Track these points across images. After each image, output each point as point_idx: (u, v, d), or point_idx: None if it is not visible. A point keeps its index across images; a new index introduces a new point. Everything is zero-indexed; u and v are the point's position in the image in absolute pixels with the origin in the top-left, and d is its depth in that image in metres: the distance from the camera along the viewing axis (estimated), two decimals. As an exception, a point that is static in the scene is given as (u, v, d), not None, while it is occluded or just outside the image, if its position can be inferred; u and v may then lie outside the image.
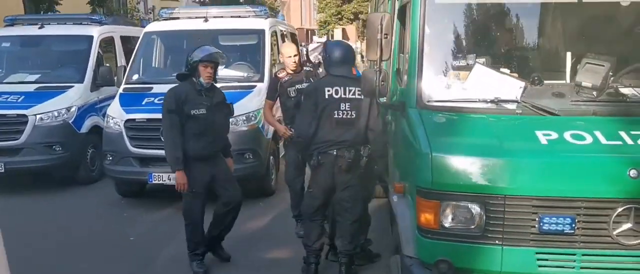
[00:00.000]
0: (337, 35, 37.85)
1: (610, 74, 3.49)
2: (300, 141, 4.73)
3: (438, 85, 3.67)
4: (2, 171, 7.60)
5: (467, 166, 3.11)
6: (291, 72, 5.75)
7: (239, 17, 8.23)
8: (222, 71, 7.55)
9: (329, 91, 4.46)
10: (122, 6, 30.40)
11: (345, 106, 4.44)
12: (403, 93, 3.87)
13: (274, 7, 29.14)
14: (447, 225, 3.15)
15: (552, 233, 3.01)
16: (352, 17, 34.60)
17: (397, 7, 4.52)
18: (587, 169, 3.02)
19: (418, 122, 3.45)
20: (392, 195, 3.85)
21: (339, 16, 36.20)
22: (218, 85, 7.15)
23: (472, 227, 3.12)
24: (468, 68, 3.71)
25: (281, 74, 5.82)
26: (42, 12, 19.10)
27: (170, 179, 6.61)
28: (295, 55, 5.79)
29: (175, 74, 5.22)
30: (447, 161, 3.13)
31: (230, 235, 5.29)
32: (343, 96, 4.45)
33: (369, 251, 5.05)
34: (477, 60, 3.72)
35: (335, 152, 4.45)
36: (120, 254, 5.51)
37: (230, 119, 6.61)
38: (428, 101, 3.58)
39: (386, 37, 3.69)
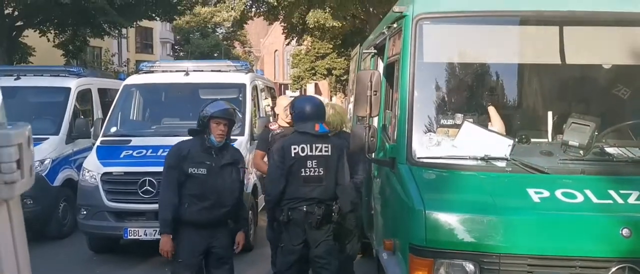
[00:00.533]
0: (310, 89, 38.32)
1: (596, 133, 3.56)
2: (269, 200, 4.62)
3: (428, 142, 3.69)
4: (-31, 225, 7.27)
5: (461, 223, 3.09)
6: (285, 125, 5.65)
7: (220, 71, 8.25)
8: (203, 125, 7.55)
9: (295, 149, 4.39)
10: (96, 58, 30.43)
11: (312, 163, 4.38)
12: (393, 149, 3.88)
13: (250, 61, 29.50)
14: (441, 284, 3.10)
15: (548, 292, 2.98)
16: (325, 72, 35.15)
17: (384, 65, 4.60)
18: (582, 228, 3.03)
19: (409, 178, 3.44)
20: (381, 253, 3.80)
21: (313, 71, 36.73)
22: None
23: (467, 286, 3.07)
24: (457, 126, 3.75)
25: (273, 126, 5.73)
26: (15, 63, 18.97)
27: (146, 235, 6.46)
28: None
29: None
30: (441, 219, 3.11)
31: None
32: (309, 153, 4.39)
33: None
34: (465, 118, 3.77)
35: (305, 209, 4.39)
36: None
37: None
38: (419, 158, 3.59)
39: (375, 94, 3.72)
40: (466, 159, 3.56)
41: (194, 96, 8.13)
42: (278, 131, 5.65)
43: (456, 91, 4.05)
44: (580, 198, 3.16)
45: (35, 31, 19.54)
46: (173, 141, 7.09)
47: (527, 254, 2.99)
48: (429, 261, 3.10)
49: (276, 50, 56.21)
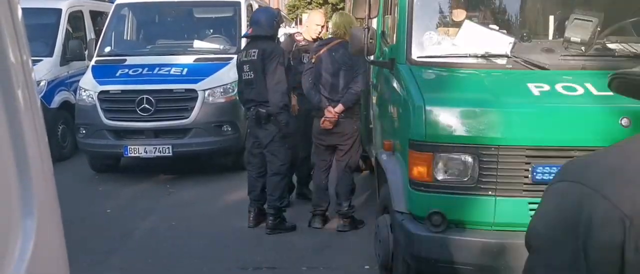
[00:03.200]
0: (305, 19, 37.53)
1: (598, 29, 3.51)
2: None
3: (428, 41, 3.63)
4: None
5: (460, 117, 3.09)
6: (311, 39, 5.55)
7: (214, -11, 8.06)
8: (198, 43, 7.46)
9: (238, 56, 5.06)
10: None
11: (246, 68, 4.88)
12: (392, 50, 3.83)
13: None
14: (440, 177, 3.13)
15: (546, 182, 3.00)
16: (321, 1, 34.40)
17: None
18: (580, 119, 3.03)
19: (409, 77, 3.42)
20: (380, 155, 3.82)
21: (308, 0, 35.95)
22: (193, 57, 7.09)
23: (465, 179, 3.11)
24: (457, 25, 3.69)
25: (299, 38, 5.63)
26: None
27: (146, 152, 6.50)
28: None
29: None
30: (440, 113, 3.11)
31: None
32: (243, 59, 4.91)
33: (353, 218, 5.02)
34: (466, 16, 3.70)
35: (250, 109, 4.92)
36: (98, 229, 5.34)
37: (207, 92, 6.60)
38: (418, 57, 3.55)
39: (374, -6, 3.64)
40: (466, 57, 3.53)
41: (188, 16, 8.00)
42: (302, 43, 5.55)
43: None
44: (580, 91, 3.15)
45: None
46: (170, 59, 7.09)
47: (525, 145, 3.01)
48: (428, 155, 3.12)
49: (271, -20, 54.85)
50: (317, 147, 4.98)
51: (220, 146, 6.61)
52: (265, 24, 4.98)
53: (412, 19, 3.59)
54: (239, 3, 7.67)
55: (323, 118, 4.70)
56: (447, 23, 3.78)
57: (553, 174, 2.96)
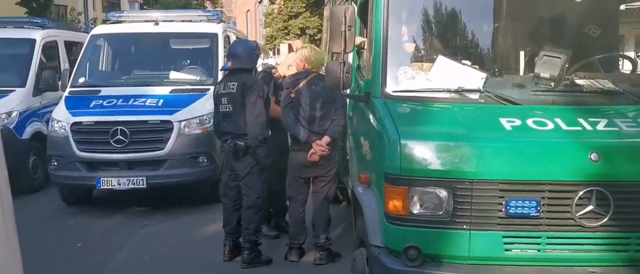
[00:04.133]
0: (283, 50, 37.86)
1: (566, 65, 3.61)
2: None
3: (402, 76, 3.69)
4: None
5: (434, 151, 3.13)
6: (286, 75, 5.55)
7: (191, 21, 8.09)
8: (174, 74, 7.45)
9: (216, 88, 5.09)
10: (62, 17, 29.51)
11: (224, 100, 4.92)
12: (367, 84, 3.88)
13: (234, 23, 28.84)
14: (415, 211, 3.14)
15: (518, 216, 3.05)
16: (299, 32, 34.71)
17: (358, 4, 4.55)
18: (551, 153, 3.09)
19: (384, 111, 3.46)
20: (356, 188, 3.83)
21: (286, 31, 36.26)
22: (169, 88, 7.08)
23: (440, 213, 3.12)
24: (431, 60, 3.76)
25: (276, 74, 5.64)
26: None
27: (119, 184, 6.41)
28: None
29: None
30: (415, 147, 3.14)
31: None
32: (222, 91, 4.96)
33: (330, 250, 5.00)
34: (439, 52, 3.78)
35: (227, 142, 4.91)
36: (68, 264, 5.23)
37: (183, 123, 6.57)
38: (393, 91, 3.59)
39: (350, 29, 3.70)
40: (440, 92, 3.58)
41: (165, 47, 8.00)
42: (281, 81, 5.54)
43: (431, 24, 4.03)
44: (550, 126, 3.21)
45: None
46: (145, 90, 7.06)
47: (498, 180, 3.04)
48: (403, 189, 3.14)
49: (248, 10, 55.26)
50: (296, 180, 4.97)
51: (196, 177, 6.56)
52: (244, 56, 5.02)
53: (387, 54, 3.64)
54: (216, 34, 7.71)
55: (311, 152, 4.70)
56: (421, 58, 3.84)
57: (526, 208, 3.05)
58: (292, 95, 4.84)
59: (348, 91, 4.22)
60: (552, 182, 3.04)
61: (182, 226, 6.14)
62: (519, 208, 3.04)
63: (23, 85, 8.03)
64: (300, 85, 4.84)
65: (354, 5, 4.55)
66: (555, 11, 4.24)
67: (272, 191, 5.43)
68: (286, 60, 5.85)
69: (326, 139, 4.65)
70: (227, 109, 4.91)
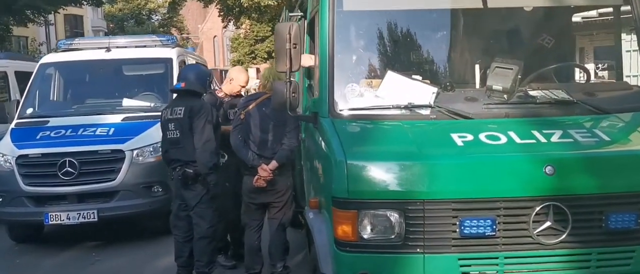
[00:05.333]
0: (252, 74, 37.73)
1: (519, 77, 3.50)
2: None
3: (350, 93, 3.52)
4: None
5: (383, 172, 2.95)
6: (231, 95, 5.36)
7: (145, 46, 7.83)
8: (127, 102, 7.18)
9: (163, 114, 4.87)
10: (23, 49, 28.86)
11: (171, 126, 4.72)
12: (315, 103, 3.70)
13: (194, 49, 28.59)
14: (366, 236, 2.96)
15: (474, 236, 2.88)
16: (266, 55, 34.66)
17: (307, 22, 4.40)
18: (504, 168, 2.94)
19: (331, 131, 3.28)
20: (307, 213, 3.63)
21: (253, 55, 36.19)
22: (122, 116, 6.79)
23: (392, 236, 2.94)
24: (380, 76, 3.61)
25: (220, 94, 5.43)
26: None
27: (69, 219, 6.09)
28: (243, 87, 5.52)
29: None
30: (363, 168, 2.97)
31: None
32: (169, 116, 4.76)
33: (288, 280, 4.77)
34: (389, 67, 3.63)
35: (176, 170, 4.70)
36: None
37: (136, 152, 6.29)
38: (341, 110, 3.42)
39: (295, 47, 3.53)
40: (390, 108, 3.42)
41: (117, 73, 7.74)
42: (226, 99, 5.36)
43: (378, 40, 3.88)
44: (503, 140, 3.07)
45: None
46: (96, 119, 6.76)
47: (451, 199, 2.88)
48: (352, 213, 2.95)
49: (215, 36, 55.11)
50: (248, 206, 4.74)
51: (150, 207, 6.26)
52: (196, 80, 4.83)
53: (333, 71, 3.48)
54: (171, 59, 7.48)
55: (257, 177, 4.49)
56: (369, 75, 3.69)
57: (481, 227, 2.88)
58: (242, 117, 4.64)
59: (300, 111, 4.06)
60: (507, 199, 2.89)
61: (134, 260, 5.84)
62: (474, 228, 2.88)
63: (-33, 118, 7.63)
64: (250, 107, 4.64)
65: (301, 22, 4.41)
66: (507, 22, 4.15)
67: (228, 219, 5.20)
68: (228, 75, 5.68)
69: (273, 163, 4.45)
70: (175, 136, 4.69)
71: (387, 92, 3.50)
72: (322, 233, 3.26)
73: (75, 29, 36.60)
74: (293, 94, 3.53)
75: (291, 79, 3.54)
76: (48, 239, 6.74)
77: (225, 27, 35.78)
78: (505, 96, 3.43)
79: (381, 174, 2.94)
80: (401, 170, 2.94)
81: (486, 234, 2.88)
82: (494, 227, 2.88)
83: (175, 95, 5.00)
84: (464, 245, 2.90)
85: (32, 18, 20.30)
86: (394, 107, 3.41)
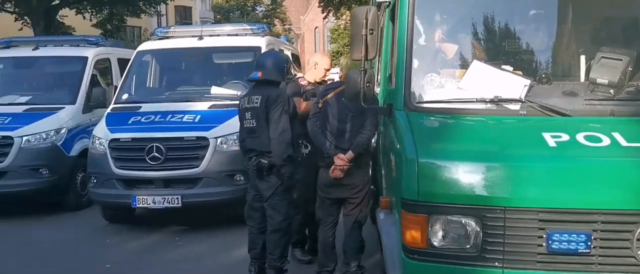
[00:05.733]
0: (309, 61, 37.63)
1: (629, 69, 3.00)
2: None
3: (430, 84, 3.20)
4: (-16, 196, 7.25)
5: (460, 173, 2.62)
6: (314, 83, 5.20)
7: (236, 35, 7.86)
8: (214, 90, 7.23)
9: (240, 102, 4.75)
10: (137, 38, 30.63)
11: (248, 115, 4.60)
12: (390, 95, 3.41)
13: (289, 38, 28.98)
14: (436, 244, 2.65)
15: (564, 252, 2.49)
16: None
17: (388, 8, 4.10)
18: (605, 175, 2.51)
19: (405, 125, 2.99)
20: (378, 213, 3.36)
21: (352, 47, 36.01)
22: (209, 103, 6.84)
23: (467, 246, 2.62)
24: (464, 66, 3.25)
25: (303, 82, 5.29)
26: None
27: (154, 203, 6.22)
28: (328, 70, 5.32)
29: None
30: (436, 168, 2.66)
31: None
32: (246, 105, 4.62)
33: (362, 280, 4.52)
34: (475, 56, 3.26)
35: (251, 160, 4.56)
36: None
37: (220, 140, 6.30)
38: (418, 102, 3.12)
39: (371, 33, 3.26)
40: (473, 102, 3.07)
41: (208, 61, 7.82)
42: (308, 87, 5.21)
43: (464, 26, 3.50)
44: (606, 141, 2.63)
45: (71, 10, 19.69)
46: (184, 106, 6.87)
47: (538, 208, 2.50)
48: (422, 217, 2.65)
49: (316, 27, 55.57)
50: (323, 201, 4.54)
51: (232, 196, 6.23)
52: (273, 68, 4.70)
53: (411, 59, 3.17)
54: (259, 48, 7.43)
55: (333, 167, 4.28)
56: (452, 64, 3.33)
57: (573, 243, 2.47)
58: (320, 105, 4.44)
59: (377, 103, 3.79)
60: (607, 212, 2.46)
61: (213, 247, 5.85)
62: (565, 243, 2.49)
63: (73, 102, 8.05)
64: (329, 96, 4.42)
65: (381, 7, 4.11)
66: (619, 6, 3.61)
67: (307, 211, 5.03)
68: (311, 61, 5.47)
69: (349, 153, 4.19)
70: (251, 125, 4.59)
71: (471, 83, 3.14)
72: (390, 236, 2.99)
73: (184, 19, 38.39)
74: (367, 84, 3.27)
75: (366, 68, 3.28)
76: (137, 221, 6.95)
77: (325, 18, 35.92)
78: (611, 91, 2.97)
79: (457, 174, 2.62)
80: (481, 171, 2.60)
81: (579, 251, 2.47)
82: (589, 243, 2.47)
83: None
84: (552, 262, 2.51)
85: (144, 9, 21.40)
86: (478, 101, 3.06)
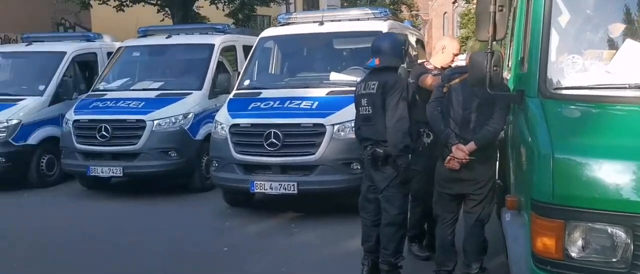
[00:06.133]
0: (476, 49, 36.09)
1: None
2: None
3: (570, 67, 2.75)
4: (121, 174, 7.74)
5: (606, 172, 2.20)
6: (442, 67, 4.88)
7: (357, 20, 7.65)
8: (334, 76, 7.07)
9: (356, 88, 4.54)
10: (267, 27, 31.62)
11: (364, 102, 4.38)
12: (521, 79, 3.00)
13: (415, 24, 28.30)
14: (575, 255, 2.26)
15: None
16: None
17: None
18: None
19: (539, 115, 2.59)
20: (503, 213, 2.98)
21: (483, 32, 34.38)
22: (327, 90, 6.69)
23: (614, 260, 2.20)
24: (613, 46, 2.76)
25: (429, 66, 4.99)
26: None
27: (271, 189, 6.22)
28: (456, 55, 5.00)
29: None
30: (576, 166, 2.25)
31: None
32: (362, 91, 4.42)
33: (485, 284, 4.13)
34: (628, 34, 2.75)
35: (366, 149, 4.37)
36: (206, 266, 5.13)
37: (337, 127, 6.14)
38: (555, 89, 2.69)
39: (501, 10, 2.87)
40: (625, 88, 2.58)
41: (328, 47, 7.70)
42: (434, 72, 4.89)
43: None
44: None
45: (206, 0, 20.72)
46: (303, 92, 6.79)
47: None
48: (557, 223, 2.26)
49: (445, 13, 53.91)
50: (441, 196, 4.20)
51: (348, 185, 6.05)
52: (390, 52, 4.43)
53: (549, 37, 2.74)
54: (381, 32, 7.13)
55: (449, 156, 3.91)
56: (598, 43, 2.84)
57: None
58: (445, 90, 4.08)
59: (507, 89, 3.38)
60: None
61: (327, 237, 5.72)
62: None
63: (200, 88, 8.35)
64: (455, 81, 4.05)
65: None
66: None
67: (426, 204, 4.71)
68: (439, 44, 5.07)
69: (471, 145, 3.79)
70: (367, 112, 4.36)
71: (622, 66, 2.66)
72: (517, 242, 2.61)
73: (312, 7, 38.91)
74: (494, 68, 2.89)
75: (493, 49, 2.90)
76: (257, 206, 7.03)
77: (455, 2, 34.64)
78: None
79: (602, 174, 2.20)
80: (631, 171, 2.17)
81: None
82: None
83: None
84: None
85: (273, -1, 22.00)
86: (630, 87, 2.57)
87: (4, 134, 8.33)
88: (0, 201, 7.97)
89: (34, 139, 8.58)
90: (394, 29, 7.54)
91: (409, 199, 4.43)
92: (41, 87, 9.00)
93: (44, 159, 8.67)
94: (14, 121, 8.43)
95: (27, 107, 8.67)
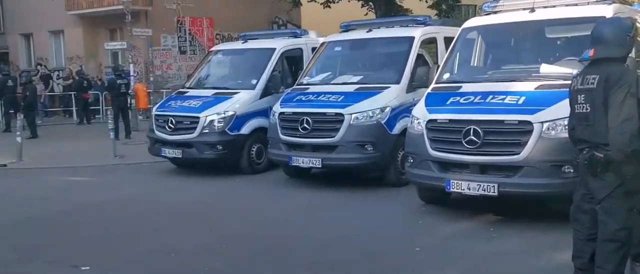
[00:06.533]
0: None
1: None
2: None
3: None
4: (320, 166, 7.98)
5: None
6: None
7: (575, 4, 6.76)
8: (544, 68, 6.40)
9: (572, 82, 4.04)
10: (471, 16, 30.39)
11: (581, 99, 3.87)
12: None
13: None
14: None
15: None
16: None
17: None
18: None
19: None
20: None
21: None
22: (536, 84, 6.04)
23: None
24: None
25: None
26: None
27: (469, 189, 5.84)
28: None
29: None
30: None
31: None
32: (579, 86, 3.91)
33: None
34: None
35: (583, 152, 3.86)
36: (395, 265, 4.96)
37: (546, 125, 5.54)
38: None
39: None
40: None
41: (539, 36, 6.99)
42: None
43: None
44: None
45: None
46: (507, 86, 6.24)
47: None
48: None
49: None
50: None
51: (558, 190, 5.36)
52: (613, 41, 3.82)
53: None
54: (603, 18, 6.24)
55: None
56: None
57: None
58: None
59: None
60: None
61: (530, 246, 5.17)
62: None
63: (398, 82, 8.22)
64: None
65: None
66: None
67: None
68: None
69: None
70: (584, 110, 3.81)
71: None
72: None
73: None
74: None
75: None
76: (452, 205, 6.69)
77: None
78: None
79: None
80: None
81: None
82: None
83: None
84: None
85: (478, -15, 21.02)
86: None
87: (222, 124, 9.16)
88: (217, 184, 8.80)
89: (246, 129, 9.33)
90: (621, 14, 6.54)
91: (634, 213, 3.75)
92: (253, 81, 9.74)
93: (254, 148, 9.37)
94: (230, 113, 9.24)
95: (241, 99, 9.44)
